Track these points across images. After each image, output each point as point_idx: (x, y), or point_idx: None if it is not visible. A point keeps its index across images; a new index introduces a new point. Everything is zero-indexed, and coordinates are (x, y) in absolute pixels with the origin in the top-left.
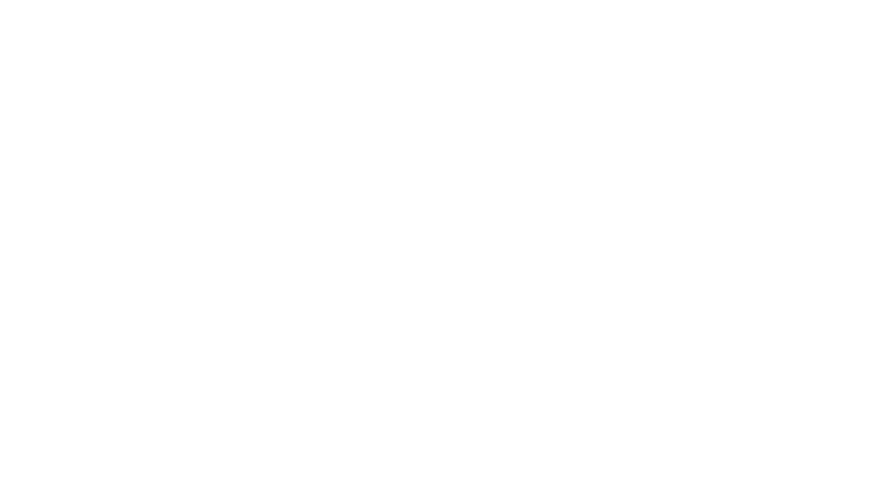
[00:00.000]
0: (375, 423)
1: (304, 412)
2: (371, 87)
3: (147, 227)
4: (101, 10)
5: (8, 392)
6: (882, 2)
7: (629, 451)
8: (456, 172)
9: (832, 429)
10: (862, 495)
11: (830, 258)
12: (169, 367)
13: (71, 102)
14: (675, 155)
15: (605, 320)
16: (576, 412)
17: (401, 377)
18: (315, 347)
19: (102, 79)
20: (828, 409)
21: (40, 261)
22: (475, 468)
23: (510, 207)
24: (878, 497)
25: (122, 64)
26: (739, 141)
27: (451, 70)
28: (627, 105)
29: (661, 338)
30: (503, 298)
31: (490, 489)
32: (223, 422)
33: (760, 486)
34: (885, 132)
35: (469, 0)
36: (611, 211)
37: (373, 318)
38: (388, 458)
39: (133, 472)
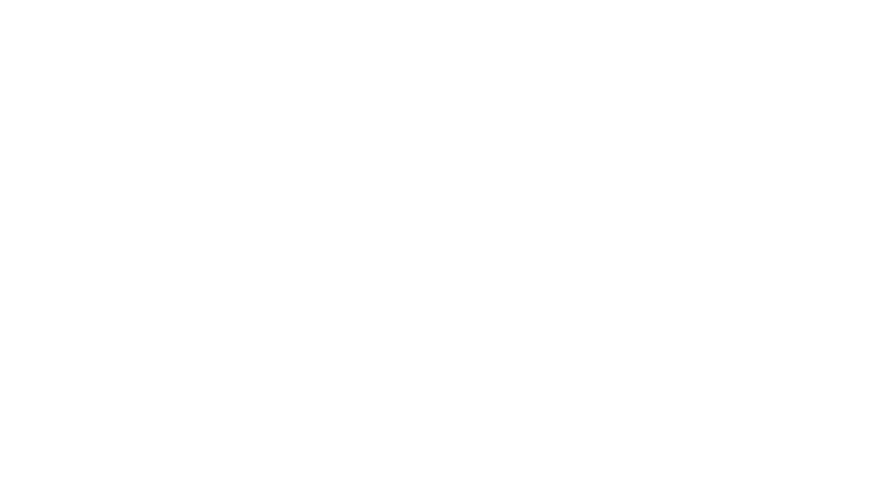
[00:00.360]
0: (375, 423)
1: (304, 412)
2: (371, 87)
3: (147, 227)
4: (101, 10)
5: (8, 392)
6: (882, 2)
7: (629, 451)
8: (456, 172)
9: (832, 429)
10: (862, 495)
11: (830, 258)
12: (169, 368)
13: (71, 102)
14: (675, 155)
15: (604, 320)
16: (576, 412)
17: (401, 377)
18: (315, 347)
19: (102, 79)
20: (828, 409)
21: (40, 261)
22: (474, 468)
23: (510, 207)
24: (878, 497)
25: (123, 64)
26: (739, 141)
27: (451, 70)
28: (627, 105)
29: (661, 338)
30: (503, 298)
31: (489, 489)
32: (223, 422)
33: (760, 486)
34: (885, 132)
35: (469, 0)
36: (611, 211)
37: (373, 317)
38: (388, 458)
39: (133, 472)
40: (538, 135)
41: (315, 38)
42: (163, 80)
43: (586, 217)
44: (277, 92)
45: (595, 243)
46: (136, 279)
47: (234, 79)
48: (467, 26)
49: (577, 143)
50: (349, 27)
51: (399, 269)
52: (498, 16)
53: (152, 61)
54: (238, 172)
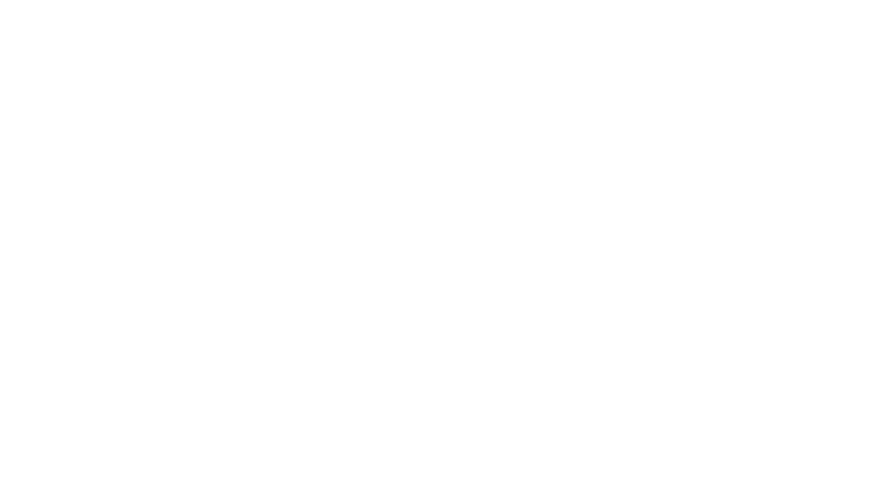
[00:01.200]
0: (375, 423)
1: (303, 412)
2: (371, 87)
3: (147, 228)
4: (101, 10)
5: (8, 392)
6: (882, 2)
7: (629, 451)
8: (456, 172)
9: (832, 429)
10: (862, 495)
11: (830, 258)
12: (169, 368)
13: (71, 102)
14: (675, 155)
15: (604, 320)
16: (576, 412)
17: (401, 377)
18: (315, 347)
19: (102, 79)
20: (828, 410)
21: (40, 261)
22: (474, 468)
23: (510, 207)
24: (878, 497)
25: (123, 64)
26: (739, 141)
27: (451, 70)
28: (627, 105)
29: (661, 338)
30: (503, 299)
31: (490, 489)
32: (223, 422)
33: (760, 487)
34: (885, 132)
35: (469, 0)
36: (611, 211)
37: (373, 318)
38: (388, 458)
39: (133, 472)
40: (538, 135)
41: (315, 38)
42: (163, 80)
43: (586, 217)
44: (277, 92)
45: (595, 243)
46: (136, 279)
47: (235, 79)
48: (467, 26)
49: (577, 143)
50: (349, 27)
51: (399, 268)
52: (498, 16)
53: (152, 61)
54: (238, 172)
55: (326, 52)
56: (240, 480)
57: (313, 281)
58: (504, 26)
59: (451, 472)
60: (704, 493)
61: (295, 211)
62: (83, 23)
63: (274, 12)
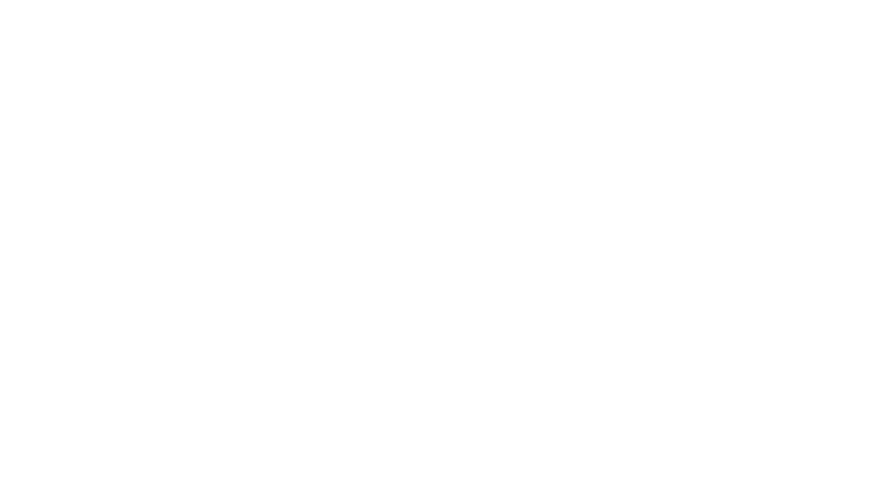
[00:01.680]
0: (375, 423)
1: (303, 412)
2: (371, 87)
3: (147, 228)
4: (101, 10)
5: (8, 392)
6: (882, 2)
7: (629, 451)
8: (456, 172)
9: (832, 429)
10: (862, 495)
11: (830, 258)
12: (169, 368)
13: (71, 102)
14: (675, 155)
15: (605, 320)
16: (576, 412)
17: (401, 377)
18: (315, 348)
19: (102, 79)
20: (828, 410)
21: (40, 261)
22: (474, 468)
23: (510, 207)
24: (878, 497)
25: (123, 64)
26: (739, 141)
27: (451, 70)
28: (627, 105)
29: (661, 338)
30: (503, 299)
31: (490, 489)
32: (223, 422)
33: (760, 487)
34: (885, 132)
35: (469, 0)
36: (611, 211)
37: (373, 318)
38: (388, 459)
39: (133, 472)
40: (538, 135)
41: (315, 38)
42: (163, 80)
43: (586, 217)
44: (277, 92)
45: (595, 243)
46: (136, 279)
47: (235, 79)
48: (467, 26)
49: (577, 143)
50: (349, 27)
51: (399, 269)
52: (498, 16)
53: (152, 61)
54: (238, 172)
55: (326, 52)
56: (239, 480)
57: (313, 280)
58: (504, 26)
59: (451, 472)
60: (704, 493)
61: (295, 210)
62: (83, 23)
63: (274, 12)
